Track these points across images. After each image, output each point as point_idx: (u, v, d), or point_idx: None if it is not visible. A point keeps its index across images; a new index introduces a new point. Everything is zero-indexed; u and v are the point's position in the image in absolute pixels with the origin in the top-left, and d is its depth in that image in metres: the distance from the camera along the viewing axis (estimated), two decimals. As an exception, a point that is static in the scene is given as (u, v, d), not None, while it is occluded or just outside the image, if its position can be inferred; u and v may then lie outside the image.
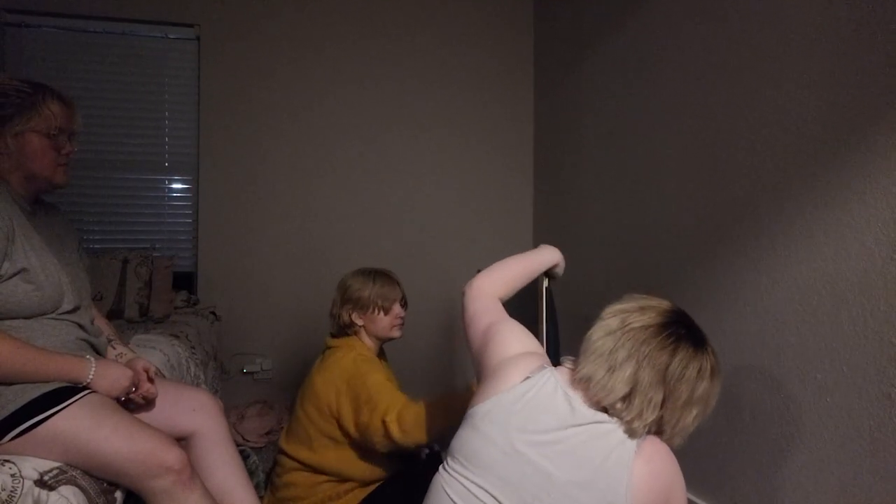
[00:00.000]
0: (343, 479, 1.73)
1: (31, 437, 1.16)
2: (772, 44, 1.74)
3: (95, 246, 2.96)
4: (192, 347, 2.24)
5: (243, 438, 2.70)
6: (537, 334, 1.52)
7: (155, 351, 1.89)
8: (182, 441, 1.46)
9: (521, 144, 3.52)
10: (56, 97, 1.36)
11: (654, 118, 2.33)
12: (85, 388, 1.26)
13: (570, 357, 1.11)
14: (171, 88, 3.09)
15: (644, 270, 2.40)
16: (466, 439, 1.04)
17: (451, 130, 3.40)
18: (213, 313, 2.93)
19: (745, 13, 1.84)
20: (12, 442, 1.16)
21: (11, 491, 1.07)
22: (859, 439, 1.46)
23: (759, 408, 1.77)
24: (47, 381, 1.22)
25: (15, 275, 1.23)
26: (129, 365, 1.42)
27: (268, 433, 2.78)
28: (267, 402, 3.00)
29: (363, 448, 1.69)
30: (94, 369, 1.28)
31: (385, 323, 1.83)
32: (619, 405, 0.98)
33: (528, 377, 1.04)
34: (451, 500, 1.00)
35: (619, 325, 1.03)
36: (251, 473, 1.88)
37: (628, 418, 0.97)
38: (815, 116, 1.59)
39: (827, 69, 1.56)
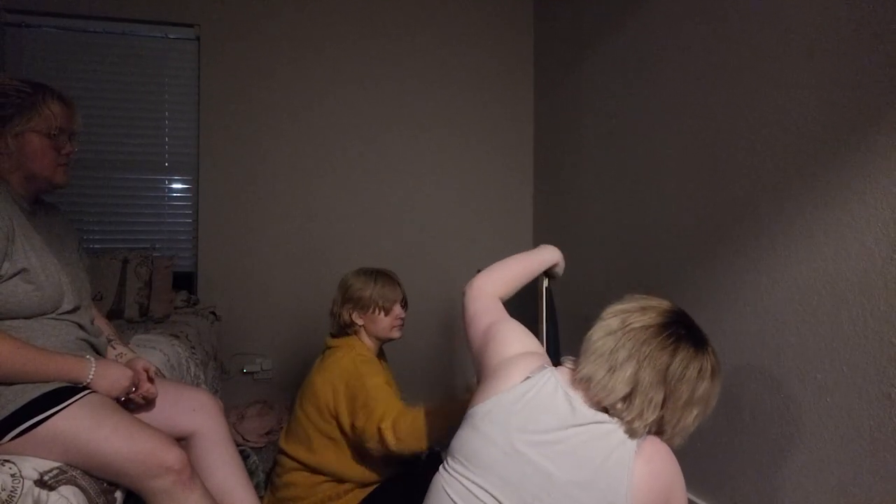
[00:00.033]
0: (342, 480, 1.73)
1: (31, 437, 1.16)
2: (772, 44, 1.74)
3: (95, 246, 2.96)
4: (192, 347, 2.24)
5: (243, 438, 2.70)
6: (537, 334, 1.52)
7: (155, 351, 1.89)
8: (182, 441, 1.46)
9: (521, 144, 3.52)
10: (56, 97, 1.36)
11: (654, 118, 2.33)
12: (85, 388, 1.26)
13: (570, 357, 1.11)
14: (171, 88, 3.09)
15: (644, 270, 2.40)
16: (467, 439, 1.04)
17: (451, 130, 3.40)
18: (213, 313, 2.93)
19: (745, 13, 1.84)
20: (12, 442, 1.16)
21: (11, 491, 1.07)
22: (859, 439, 1.46)
23: (759, 408, 1.77)
24: (47, 381, 1.22)
25: (15, 275, 1.23)
26: (129, 365, 1.42)
27: (268, 433, 2.78)
28: (267, 402, 3.00)
29: (361, 449, 1.69)
30: (94, 369, 1.28)
31: (385, 323, 1.83)
32: (619, 405, 0.98)
33: (528, 377, 1.04)
34: (452, 500, 1.00)
35: (620, 326, 1.03)
36: (251, 473, 1.88)
37: (629, 418, 0.97)
38: (815, 116, 1.60)
39: (827, 69, 1.56)
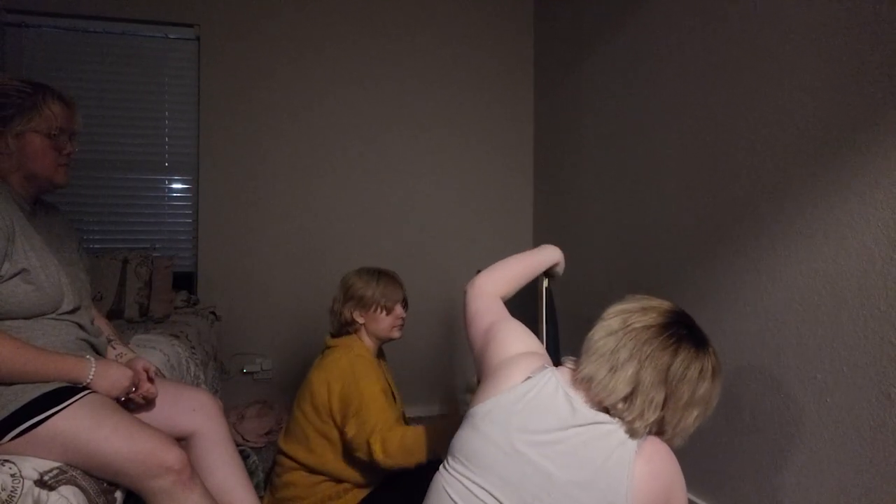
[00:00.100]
0: (341, 480, 1.73)
1: (31, 437, 1.16)
2: (772, 44, 1.74)
3: (95, 246, 2.96)
4: (192, 347, 2.24)
5: (243, 438, 2.70)
6: (537, 334, 1.52)
7: (155, 351, 1.89)
8: (182, 441, 1.46)
9: (521, 144, 3.52)
10: (57, 97, 1.36)
11: (654, 118, 2.33)
12: (85, 388, 1.26)
13: (571, 357, 1.11)
14: (171, 88, 3.09)
15: (644, 270, 2.40)
16: (467, 439, 1.04)
17: (451, 130, 3.40)
18: (213, 313, 2.93)
19: (745, 13, 1.84)
20: (12, 442, 1.16)
21: (11, 491, 1.07)
22: (859, 439, 1.46)
23: (759, 408, 1.77)
24: (47, 381, 1.22)
25: (15, 275, 1.23)
26: (129, 365, 1.42)
27: (267, 433, 2.78)
28: (267, 402, 3.00)
29: None
30: (94, 369, 1.28)
31: (386, 323, 1.83)
32: (620, 405, 0.98)
33: (529, 377, 1.04)
34: (452, 499, 1.00)
35: (621, 326, 1.03)
36: (251, 473, 1.88)
37: (629, 418, 0.97)
38: (815, 116, 1.60)
39: (827, 69, 1.56)
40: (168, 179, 3.10)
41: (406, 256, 3.29)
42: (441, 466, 1.07)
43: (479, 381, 1.15)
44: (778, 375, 1.71)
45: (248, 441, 2.69)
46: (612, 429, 0.97)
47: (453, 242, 3.40)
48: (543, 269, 1.45)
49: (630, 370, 0.98)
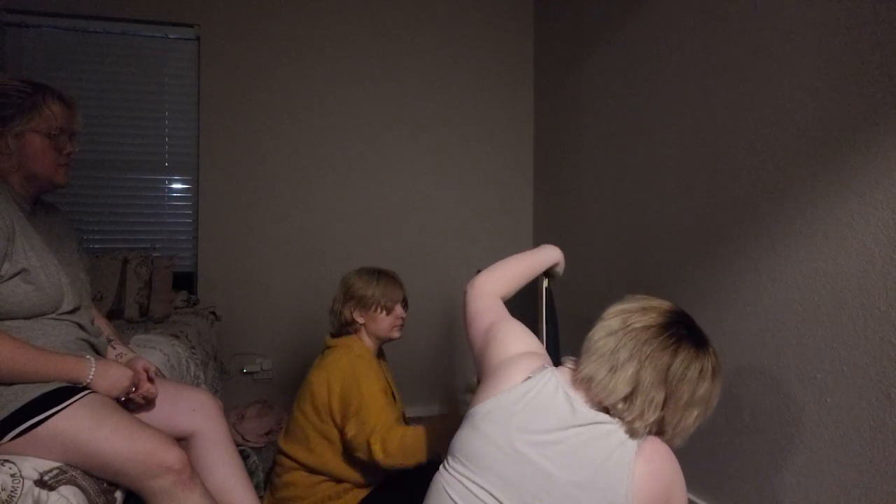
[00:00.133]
0: (341, 480, 1.73)
1: (31, 437, 1.16)
2: (772, 44, 1.74)
3: (95, 246, 2.96)
4: (192, 347, 2.24)
5: (243, 438, 2.70)
6: (537, 334, 1.52)
7: (155, 351, 1.89)
8: (182, 441, 1.46)
9: (521, 144, 3.52)
10: (57, 97, 1.36)
11: (654, 118, 2.33)
12: (85, 388, 1.26)
13: (571, 357, 1.12)
14: (171, 88, 3.09)
15: (644, 270, 2.40)
16: (467, 439, 1.04)
17: (451, 130, 3.40)
18: (213, 313, 2.93)
19: (745, 13, 1.84)
20: (12, 442, 1.16)
21: (11, 491, 1.07)
22: (859, 439, 1.46)
23: (759, 408, 1.77)
24: (47, 382, 1.22)
25: (15, 275, 1.23)
26: (129, 365, 1.42)
27: (267, 433, 2.78)
28: (267, 402, 3.00)
29: None
30: (94, 369, 1.28)
31: (386, 323, 1.83)
32: (620, 405, 0.98)
33: (529, 377, 1.04)
34: (452, 499, 1.00)
35: (621, 326, 1.03)
36: (251, 473, 1.88)
37: (630, 418, 0.97)
38: (815, 116, 1.60)
39: (827, 69, 1.56)
40: (168, 179, 3.10)
41: (406, 256, 3.29)
42: (441, 466, 1.07)
43: (478, 381, 1.15)
44: (778, 375, 1.71)
45: (248, 441, 2.69)
46: (612, 429, 0.97)
47: (453, 242, 3.40)
48: (543, 269, 1.45)
49: (630, 370, 0.98)
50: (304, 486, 1.74)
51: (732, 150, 1.89)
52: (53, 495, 1.09)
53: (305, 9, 3.19)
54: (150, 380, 1.44)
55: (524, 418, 0.99)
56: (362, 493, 1.73)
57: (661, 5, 2.29)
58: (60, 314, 1.33)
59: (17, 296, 1.23)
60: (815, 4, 1.60)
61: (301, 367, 3.08)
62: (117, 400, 1.32)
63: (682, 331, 1.02)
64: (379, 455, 1.57)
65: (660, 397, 0.97)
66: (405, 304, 1.90)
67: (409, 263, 3.19)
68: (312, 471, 1.73)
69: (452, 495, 1.00)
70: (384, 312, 1.82)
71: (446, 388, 3.40)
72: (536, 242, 3.43)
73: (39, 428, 1.16)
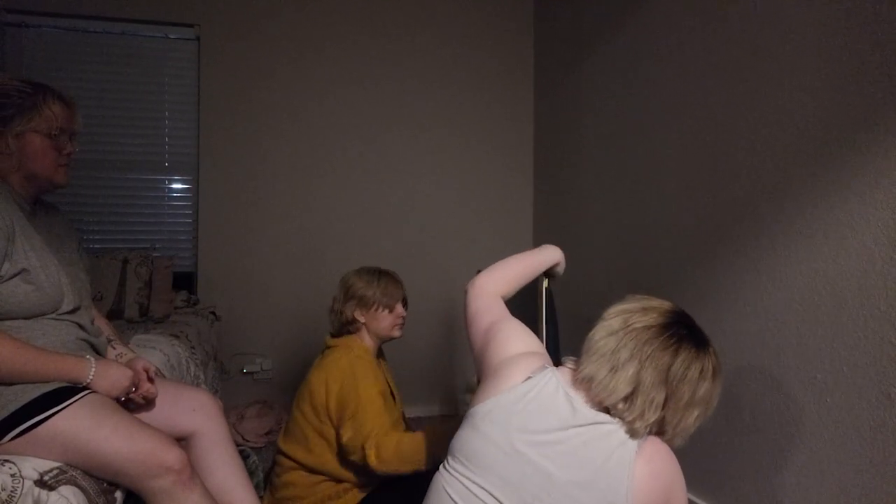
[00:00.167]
0: (340, 480, 1.73)
1: (31, 437, 1.16)
2: (772, 44, 1.74)
3: (95, 246, 2.96)
4: (192, 347, 2.24)
5: (243, 438, 2.70)
6: (537, 334, 1.52)
7: (155, 351, 1.89)
8: (182, 441, 1.46)
9: (521, 144, 3.52)
10: (57, 97, 1.36)
11: (654, 118, 2.33)
12: (85, 388, 1.26)
13: (571, 357, 1.12)
14: (171, 88, 3.09)
15: (644, 270, 2.40)
16: (467, 439, 1.04)
17: (451, 130, 3.40)
18: (213, 313, 2.93)
19: (745, 13, 1.84)
20: (12, 442, 1.16)
21: (11, 491, 1.07)
22: (859, 439, 1.46)
23: (759, 408, 1.77)
24: (47, 382, 1.22)
25: (15, 275, 1.23)
26: (129, 365, 1.42)
27: (267, 433, 2.78)
28: (267, 402, 3.00)
29: None
30: (94, 369, 1.28)
31: (388, 322, 1.84)
32: (621, 405, 0.98)
33: (529, 377, 1.04)
34: (452, 499, 1.00)
35: (622, 326, 1.03)
36: (251, 473, 1.88)
37: (630, 418, 0.97)
38: (815, 116, 1.60)
39: (827, 69, 1.56)
40: (168, 179, 3.10)
41: (406, 256, 3.29)
42: (441, 466, 1.07)
43: (479, 381, 1.15)
44: (778, 375, 1.71)
45: (248, 441, 2.69)
46: (613, 429, 0.97)
47: (453, 242, 3.40)
48: (544, 268, 1.45)
49: (631, 370, 0.98)
50: (304, 485, 1.74)
51: (732, 150, 1.89)
52: (53, 495, 1.09)
53: (305, 9, 3.19)
54: (150, 380, 1.44)
55: (524, 418, 0.99)
56: (362, 493, 1.73)
57: (661, 5, 2.29)
58: (60, 314, 1.33)
59: (17, 296, 1.23)
60: (815, 4, 1.60)
61: (301, 367, 3.08)
62: (117, 400, 1.32)
63: (682, 331, 1.02)
64: (373, 461, 1.58)
65: (660, 397, 0.97)
66: (405, 303, 1.90)
67: (409, 263, 3.19)
68: (312, 471, 1.73)
69: (452, 495, 1.00)
70: (386, 311, 1.83)
71: (446, 388, 3.40)
72: (536, 242, 3.44)
73: (39, 428, 1.16)
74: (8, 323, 1.24)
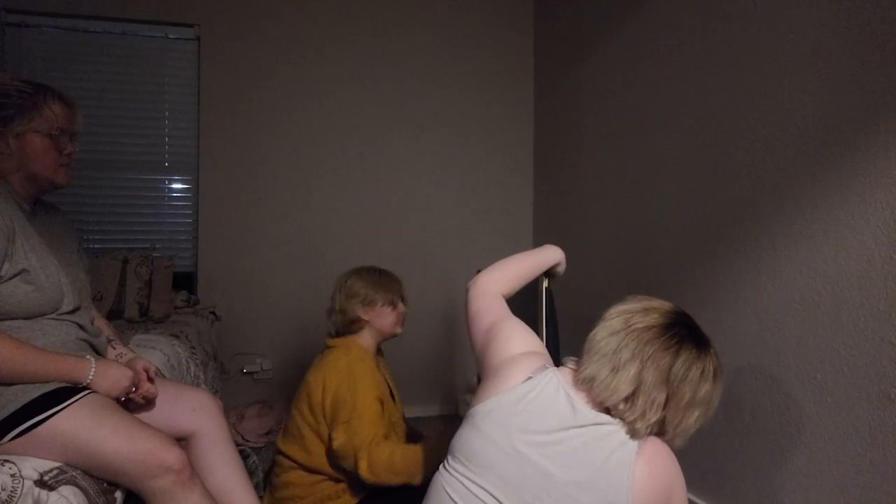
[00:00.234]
0: (339, 479, 1.73)
1: (31, 437, 1.16)
2: (772, 44, 1.74)
3: (95, 246, 2.96)
4: (192, 347, 2.24)
5: (243, 438, 2.70)
6: (537, 334, 1.52)
7: (155, 351, 1.89)
8: (182, 441, 1.46)
9: (521, 144, 3.52)
10: (57, 97, 1.36)
11: (654, 118, 2.33)
12: (85, 388, 1.26)
13: (572, 357, 1.11)
14: (171, 88, 3.09)
15: (644, 270, 2.40)
16: (467, 439, 1.04)
17: (451, 130, 3.40)
18: (213, 313, 2.93)
19: (745, 13, 1.84)
20: (12, 442, 1.16)
21: (11, 491, 1.07)
22: (859, 439, 1.46)
23: (759, 408, 1.77)
24: (47, 382, 1.22)
25: (15, 275, 1.23)
26: (129, 365, 1.42)
27: (267, 433, 2.78)
28: (266, 402, 3.00)
29: None
30: (94, 369, 1.28)
31: (391, 318, 1.85)
32: (621, 406, 0.98)
33: (530, 377, 1.04)
34: (452, 499, 1.00)
35: (623, 326, 1.03)
36: (251, 473, 1.88)
37: (631, 419, 0.97)
38: (815, 116, 1.60)
39: (827, 69, 1.56)
40: (168, 179, 3.10)
41: (406, 256, 3.29)
42: (441, 466, 1.07)
43: (479, 381, 1.15)
44: (778, 375, 1.71)
45: (248, 441, 2.69)
46: (613, 429, 0.97)
47: (453, 242, 3.40)
48: (545, 268, 1.45)
49: (632, 370, 0.98)
50: (303, 485, 1.74)
51: (732, 150, 1.89)
52: (53, 495, 1.09)
53: (305, 9, 3.19)
54: (150, 380, 1.44)
55: (525, 418, 0.99)
56: (362, 493, 1.73)
57: (661, 5, 2.29)
58: (60, 314, 1.33)
59: (17, 296, 1.23)
60: (815, 4, 1.60)
61: (301, 367, 3.08)
62: (117, 400, 1.32)
63: (683, 331, 1.02)
64: (364, 472, 1.58)
65: (661, 398, 0.97)
66: (404, 300, 1.92)
67: (409, 263, 3.19)
68: (311, 470, 1.73)
69: (452, 495, 1.00)
70: (389, 307, 1.84)
71: (446, 388, 3.40)
72: (536, 242, 3.44)
73: (39, 428, 1.16)
74: (8, 323, 1.24)
